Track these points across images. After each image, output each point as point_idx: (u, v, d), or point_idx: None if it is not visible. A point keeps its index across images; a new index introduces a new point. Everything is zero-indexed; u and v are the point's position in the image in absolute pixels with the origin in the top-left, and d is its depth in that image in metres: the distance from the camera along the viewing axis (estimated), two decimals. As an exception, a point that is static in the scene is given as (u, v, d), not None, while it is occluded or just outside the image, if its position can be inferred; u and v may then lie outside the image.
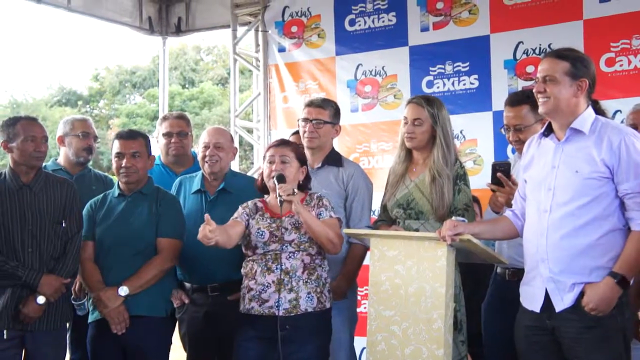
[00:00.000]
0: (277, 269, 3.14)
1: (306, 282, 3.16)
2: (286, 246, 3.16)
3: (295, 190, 3.17)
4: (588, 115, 2.76)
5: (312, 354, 3.13)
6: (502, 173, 3.20)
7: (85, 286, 3.60)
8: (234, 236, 3.22)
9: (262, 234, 3.20)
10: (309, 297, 3.14)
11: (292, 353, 3.10)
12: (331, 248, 3.18)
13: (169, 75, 7.15)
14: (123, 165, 3.54)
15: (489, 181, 3.26)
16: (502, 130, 3.51)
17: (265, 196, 3.40)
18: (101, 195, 3.68)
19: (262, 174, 3.40)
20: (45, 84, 37.00)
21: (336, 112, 3.83)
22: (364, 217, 3.67)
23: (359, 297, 4.02)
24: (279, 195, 3.13)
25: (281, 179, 3.17)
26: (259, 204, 3.35)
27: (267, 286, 3.13)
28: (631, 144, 2.66)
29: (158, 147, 4.38)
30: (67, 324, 3.60)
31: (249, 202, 3.37)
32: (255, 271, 3.18)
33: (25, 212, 3.38)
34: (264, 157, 3.37)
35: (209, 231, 2.98)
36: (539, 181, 2.83)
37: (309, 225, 3.12)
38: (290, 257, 3.16)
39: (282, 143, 3.39)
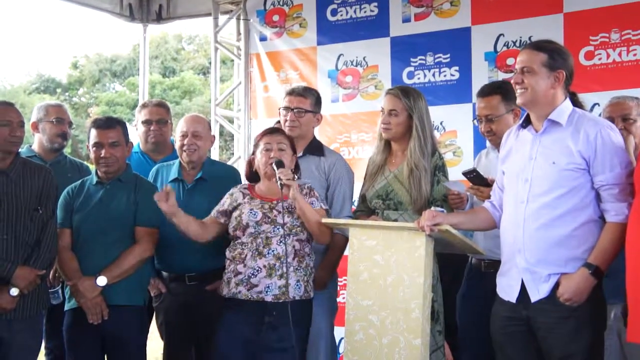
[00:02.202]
0: (268, 253, 3.13)
1: (296, 269, 3.16)
2: (278, 228, 3.15)
3: (296, 176, 3.17)
4: (565, 107, 2.78)
5: (295, 341, 3.11)
6: (473, 179, 3.22)
7: (62, 275, 3.57)
8: (209, 230, 3.31)
9: (254, 214, 3.19)
10: (297, 285, 3.15)
11: (275, 340, 3.10)
12: (321, 237, 3.20)
13: (149, 64, 7.07)
14: (102, 155, 3.50)
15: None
16: (475, 121, 3.53)
17: (254, 184, 3.38)
18: (79, 182, 3.65)
19: (250, 162, 3.39)
20: (24, 70, 36.56)
21: (317, 101, 3.82)
22: (345, 207, 3.67)
23: (337, 287, 4.02)
24: (279, 179, 3.11)
25: (280, 164, 3.17)
26: (246, 190, 3.34)
27: (258, 270, 3.12)
28: (607, 136, 2.68)
29: (137, 134, 4.34)
30: (44, 312, 3.56)
31: (234, 190, 3.35)
32: (245, 255, 3.16)
33: (1, 199, 3.33)
34: (256, 145, 3.36)
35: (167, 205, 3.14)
36: (516, 172, 2.85)
37: (304, 213, 3.12)
38: (281, 241, 3.14)
39: (277, 131, 3.39)
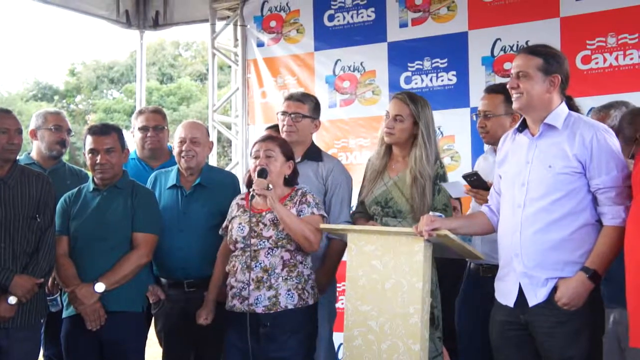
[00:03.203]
0: (256, 266, 3.13)
1: (286, 279, 3.14)
2: (263, 242, 3.15)
3: (270, 186, 3.15)
4: (561, 110, 2.78)
5: (295, 350, 3.13)
6: (473, 182, 3.22)
7: (60, 282, 3.56)
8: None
9: (242, 229, 3.20)
10: (289, 294, 3.13)
11: (274, 350, 3.10)
12: (307, 246, 3.16)
13: (147, 71, 7.08)
14: (97, 162, 3.50)
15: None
16: (474, 116, 3.55)
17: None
18: (75, 189, 3.64)
19: (250, 169, 3.39)
20: (21, 78, 36.52)
21: (316, 107, 3.83)
22: (343, 213, 3.66)
23: (337, 293, 4.01)
24: (253, 190, 3.13)
25: (262, 173, 3.16)
26: (241, 202, 3.33)
27: (247, 284, 3.12)
28: (603, 139, 2.68)
29: (134, 141, 4.34)
30: (42, 320, 3.55)
31: (232, 203, 3.37)
32: (237, 269, 3.18)
33: (-1, 207, 3.33)
34: (251, 152, 3.37)
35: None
36: (513, 177, 2.85)
37: (284, 222, 3.11)
38: (268, 254, 3.15)
39: (268, 138, 3.38)
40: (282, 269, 3.15)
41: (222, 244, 3.40)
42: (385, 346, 2.92)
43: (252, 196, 3.15)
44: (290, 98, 3.80)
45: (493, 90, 3.49)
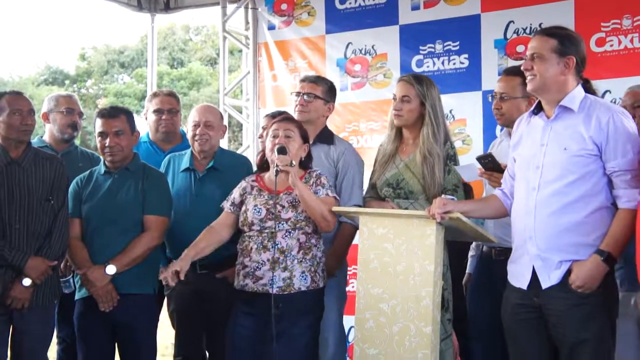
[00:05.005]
0: (272, 247, 3.12)
1: (301, 261, 3.14)
2: (282, 224, 3.14)
3: (294, 162, 3.13)
4: (577, 93, 2.76)
5: (303, 331, 3.14)
6: (488, 164, 3.20)
7: (72, 264, 3.59)
8: (224, 233, 3.29)
9: (258, 211, 3.18)
10: (303, 276, 3.14)
11: (284, 330, 3.10)
12: (324, 225, 3.16)
13: (157, 55, 7.06)
14: (107, 144, 3.51)
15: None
16: (490, 97, 3.53)
17: (264, 173, 3.36)
18: (87, 172, 3.65)
19: (262, 150, 3.38)
20: (32, 62, 36.66)
21: (330, 90, 3.83)
22: (354, 196, 3.66)
23: (347, 276, 4.02)
24: (276, 165, 3.11)
25: (282, 151, 3.15)
26: (254, 183, 3.32)
27: (262, 264, 3.12)
28: (619, 122, 2.66)
29: (147, 123, 4.35)
30: (56, 301, 3.58)
31: (243, 183, 3.35)
32: (251, 248, 3.16)
33: (13, 188, 3.35)
34: (264, 130, 3.35)
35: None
36: (527, 159, 2.83)
37: (304, 199, 3.10)
38: (286, 235, 3.14)
39: (286, 118, 3.37)
40: (298, 251, 3.15)
41: (220, 218, 3.32)
42: (396, 328, 2.93)
43: (277, 172, 3.11)
44: (305, 80, 3.84)
45: (511, 72, 3.46)
